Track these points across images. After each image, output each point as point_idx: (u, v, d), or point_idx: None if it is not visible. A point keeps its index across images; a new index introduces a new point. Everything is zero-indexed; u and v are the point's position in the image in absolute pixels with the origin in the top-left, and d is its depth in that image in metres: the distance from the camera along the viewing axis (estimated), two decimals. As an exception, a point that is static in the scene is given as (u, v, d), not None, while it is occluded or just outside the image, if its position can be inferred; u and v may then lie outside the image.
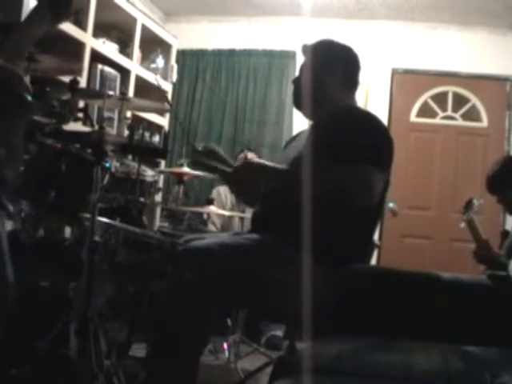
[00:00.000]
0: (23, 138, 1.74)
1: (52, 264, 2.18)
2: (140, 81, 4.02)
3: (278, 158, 2.11)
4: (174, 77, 4.51)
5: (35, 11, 1.72)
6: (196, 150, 2.07)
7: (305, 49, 2.05)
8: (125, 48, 3.97)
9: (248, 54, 5.01)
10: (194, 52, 5.08)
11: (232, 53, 5.03)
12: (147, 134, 3.79)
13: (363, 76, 2.06)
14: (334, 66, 1.97)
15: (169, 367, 1.62)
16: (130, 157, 2.94)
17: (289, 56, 4.85)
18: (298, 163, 1.78)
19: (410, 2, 4.44)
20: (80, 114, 2.34)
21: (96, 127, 2.07)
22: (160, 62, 4.39)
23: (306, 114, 2.06)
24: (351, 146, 1.73)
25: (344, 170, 1.70)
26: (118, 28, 3.94)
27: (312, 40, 2.07)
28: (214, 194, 4.05)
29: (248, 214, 3.21)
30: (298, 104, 2.04)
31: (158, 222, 4.00)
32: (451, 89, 4.78)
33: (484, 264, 2.62)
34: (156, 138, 4.11)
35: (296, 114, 4.58)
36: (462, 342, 1.33)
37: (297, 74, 2.09)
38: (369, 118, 1.88)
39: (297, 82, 2.03)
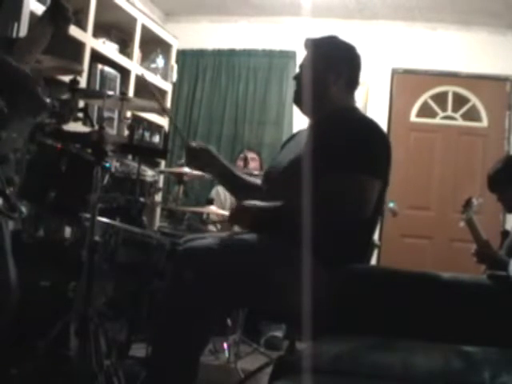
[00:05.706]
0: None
1: (52, 264, 2.18)
2: (140, 81, 4.01)
3: (276, 158, 2.10)
4: (174, 77, 4.51)
5: (38, 24, 1.76)
6: (190, 147, 2.04)
7: (308, 43, 2.00)
8: (125, 48, 3.96)
9: (248, 54, 5.01)
10: (194, 52, 5.07)
11: (232, 53, 5.03)
12: (147, 134, 3.79)
13: (363, 76, 2.04)
14: (338, 65, 1.94)
15: (169, 367, 1.63)
16: (130, 157, 2.94)
17: (289, 56, 4.85)
18: (297, 165, 1.79)
19: (410, 1, 4.43)
20: (80, 114, 2.34)
21: (96, 127, 2.07)
22: (160, 61, 4.39)
23: (305, 112, 2.03)
24: (348, 153, 1.73)
25: (340, 177, 1.70)
26: (118, 28, 3.94)
27: (315, 35, 2.02)
28: (213, 193, 4.05)
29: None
30: (298, 101, 2.02)
31: (158, 222, 4.00)
32: (451, 89, 4.78)
33: (484, 263, 2.62)
34: (156, 138, 4.11)
35: (296, 113, 4.57)
36: (462, 342, 1.33)
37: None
38: (367, 125, 1.87)
39: (298, 78, 2.00)
